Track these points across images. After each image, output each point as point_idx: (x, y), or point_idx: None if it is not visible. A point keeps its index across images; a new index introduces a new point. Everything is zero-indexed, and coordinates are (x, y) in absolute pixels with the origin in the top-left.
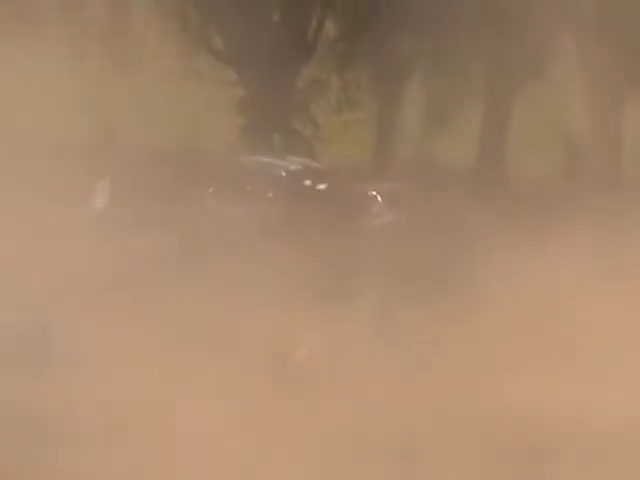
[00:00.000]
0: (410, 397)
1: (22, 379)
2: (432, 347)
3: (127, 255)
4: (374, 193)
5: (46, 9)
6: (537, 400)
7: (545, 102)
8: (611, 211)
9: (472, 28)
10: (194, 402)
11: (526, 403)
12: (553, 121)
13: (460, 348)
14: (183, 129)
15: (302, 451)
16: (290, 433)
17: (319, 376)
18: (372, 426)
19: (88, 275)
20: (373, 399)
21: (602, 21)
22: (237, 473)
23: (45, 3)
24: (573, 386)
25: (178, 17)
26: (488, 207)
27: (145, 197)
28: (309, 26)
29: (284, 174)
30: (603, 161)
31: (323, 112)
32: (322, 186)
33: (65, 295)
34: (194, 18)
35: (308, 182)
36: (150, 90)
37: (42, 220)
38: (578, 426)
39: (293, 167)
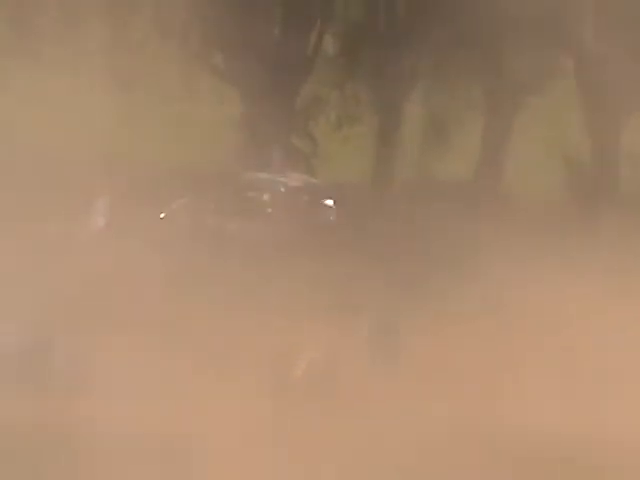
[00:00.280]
0: (411, 410)
1: (23, 395)
2: (433, 360)
3: (127, 272)
4: (329, 202)
5: (45, 28)
6: (538, 413)
7: (544, 118)
8: (610, 227)
9: (472, 44)
10: (195, 416)
11: (528, 416)
12: (552, 137)
13: (461, 361)
14: (183, 146)
15: (303, 465)
16: (291, 447)
17: (320, 390)
18: (374, 440)
19: (88, 292)
20: (375, 412)
21: (602, 38)
22: None
23: (44, 22)
24: (575, 401)
25: (178, 35)
26: (487, 222)
27: (145, 214)
28: (309, 42)
29: (283, 190)
30: (602, 177)
31: (323, 128)
32: (321, 202)
33: (65, 311)
34: (194, 36)
35: (307, 198)
36: (150, 107)
37: (42, 236)
38: (582, 441)
39: (292, 183)
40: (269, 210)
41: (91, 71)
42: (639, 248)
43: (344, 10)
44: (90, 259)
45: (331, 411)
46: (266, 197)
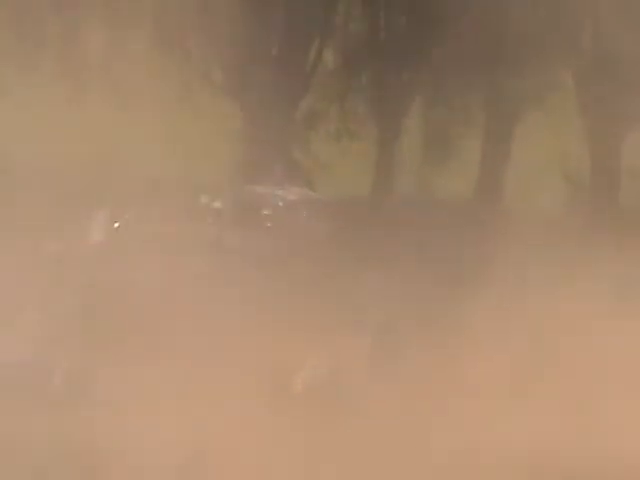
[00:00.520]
0: (414, 423)
1: (22, 410)
2: (435, 374)
3: (126, 286)
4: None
5: (45, 41)
6: (540, 428)
7: (544, 133)
8: (611, 242)
9: (471, 58)
10: (196, 429)
11: (530, 432)
12: (552, 152)
13: (462, 375)
14: (182, 160)
15: (304, 476)
16: (292, 459)
17: (322, 402)
18: (375, 452)
19: (88, 307)
20: (376, 425)
21: (600, 52)
22: None
23: (44, 35)
24: (575, 417)
25: (178, 49)
26: (487, 237)
27: (144, 229)
28: (308, 56)
29: (282, 204)
30: (602, 191)
31: (322, 142)
32: (321, 216)
33: (64, 327)
34: (194, 50)
35: (306, 212)
36: (149, 121)
37: (41, 251)
38: (582, 459)
39: (292, 197)
40: (268, 224)
41: (90, 84)
42: None
43: (344, 24)
44: (88, 274)
45: (332, 423)
46: (265, 211)
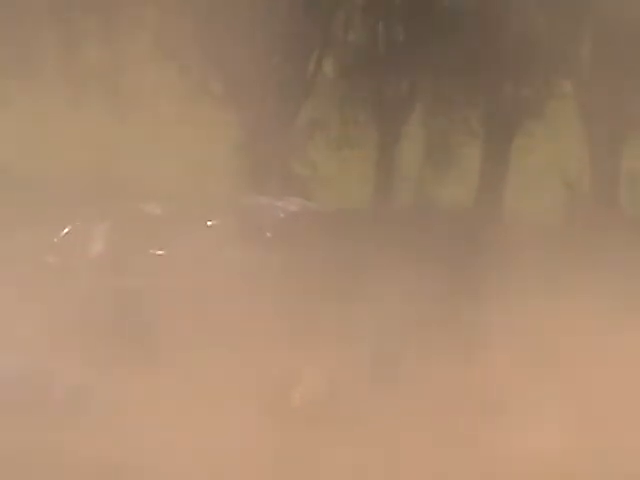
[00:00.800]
0: (412, 436)
1: (20, 424)
2: (434, 386)
3: (125, 299)
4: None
5: (45, 51)
6: (540, 441)
7: (544, 141)
8: (612, 249)
9: (470, 67)
10: (193, 443)
11: (529, 446)
12: (552, 160)
13: (462, 387)
14: (181, 170)
15: None
16: (291, 473)
17: (320, 416)
18: (374, 466)
19: (86, 320)
20: (375, 438)
21: (599, 62)
22: None
23: (44, 46)
24: (578, 428)
25: (177, 60)
26: (487, 246)
27: (142, 241)
28: (308, 65)
29: (282, 215)
30: (603, 199)
31: (322, 152)
32: (321, 227)
33: (63, 340)
34: (193, 61)
35: (306, 223)
36: (148, 131)
37: (38, 264)
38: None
39: (291, 208)
40: (268, 234)
41: (90, 94)
42: None
43: (344, 33)
44: (87, 287)
45: (331, 436)
46: (265, 221)
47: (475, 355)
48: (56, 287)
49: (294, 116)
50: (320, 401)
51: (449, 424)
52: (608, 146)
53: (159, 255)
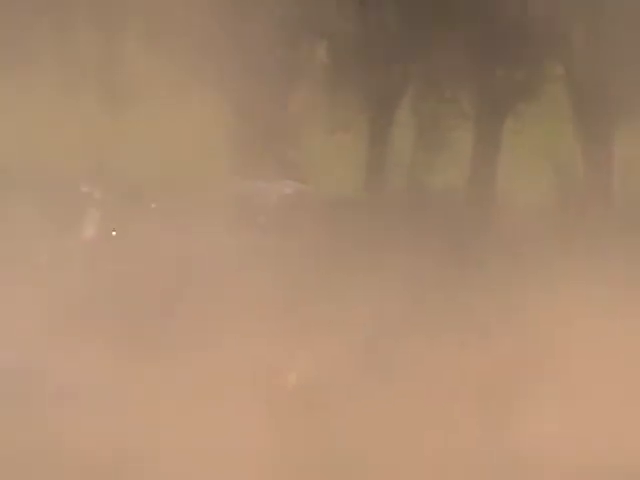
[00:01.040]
0: (405, 424)
1: (14, 415)
2: (428, 375)
3: (119, 287)
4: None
5: (39, 45)
6: (539, 436)
7: (535, 125)
8: (604, 234)
9: (462, 51)
10: (186, 430)
11: (526, 440)
12: (544, 144)
13: (456, 374)
14: (175, 156)
15: (295, 476)
16: (284, 458)
17: (312, 403)
18: (366, 454)
19: (81, 307)
20: (368, 426)
21: (592, 46)
22: None
23: (38, 39)
24: (575, 423)
25: (169, 48)
26: (480, 231)
27: (137, 227)
28: (300, 50)
29: (276, 199)
30: (595, 184)
31: (315, 136)
32: (315, 210)
33: (57, 328)
34: (185, 48)
35: (300, 206)
36: (141, 118)
37: (32, 253)
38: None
39: (285, 191)
40: (262, 219)
41: (82, 84)
42: (634, 255)
43: (336, 17)
44: (81, 275)
45: (324, 422)
46: (259, 206)
47: (469, 339)
48: (56, 286)
49: (287, 100)
50: (315, 386)
51: (444, 410)
52: (600, 129)
53: (153, 241)
